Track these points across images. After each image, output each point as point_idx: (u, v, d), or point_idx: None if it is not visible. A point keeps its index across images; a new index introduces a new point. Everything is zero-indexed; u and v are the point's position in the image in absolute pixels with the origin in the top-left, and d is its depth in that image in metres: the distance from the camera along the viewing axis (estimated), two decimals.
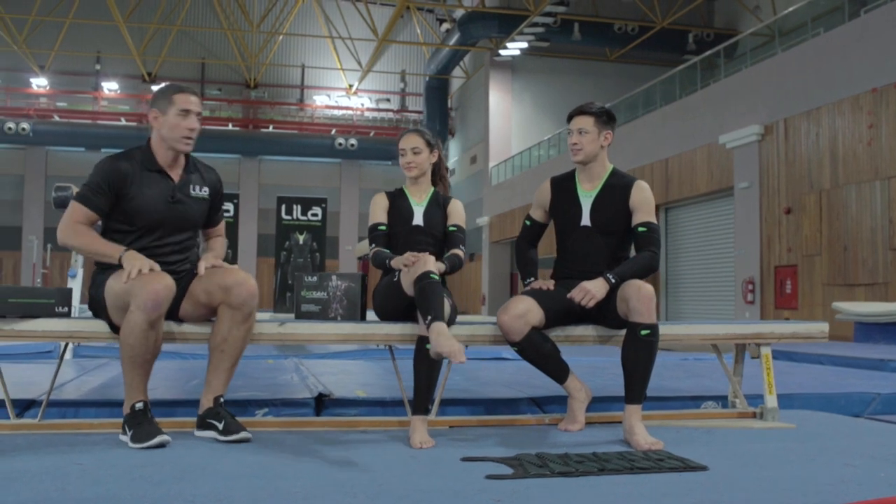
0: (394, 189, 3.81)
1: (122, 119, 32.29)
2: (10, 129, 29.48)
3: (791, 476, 2.61)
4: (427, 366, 3.17)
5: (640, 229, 3.52)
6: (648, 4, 25.17)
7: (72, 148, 31.09)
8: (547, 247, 3.45)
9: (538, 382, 4.49)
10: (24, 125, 29.64)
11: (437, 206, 3.74)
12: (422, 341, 3.19)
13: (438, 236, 3.70)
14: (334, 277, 3.63)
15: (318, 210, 12.52)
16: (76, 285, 6.52)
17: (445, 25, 30.17)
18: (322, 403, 3.95)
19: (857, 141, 12.89)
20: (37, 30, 29.98)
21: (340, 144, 32.14)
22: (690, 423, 3.72)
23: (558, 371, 3.48)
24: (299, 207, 12.45)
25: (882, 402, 4.53)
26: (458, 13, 27.68)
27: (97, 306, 3.20)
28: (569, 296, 3.38)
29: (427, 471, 2.64)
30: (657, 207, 17.96)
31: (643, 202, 3.54)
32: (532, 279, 3.66)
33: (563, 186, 3.68)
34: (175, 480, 2.41)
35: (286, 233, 12.36)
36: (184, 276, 3.25)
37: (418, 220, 3.69)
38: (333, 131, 33.51)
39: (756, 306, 15.20)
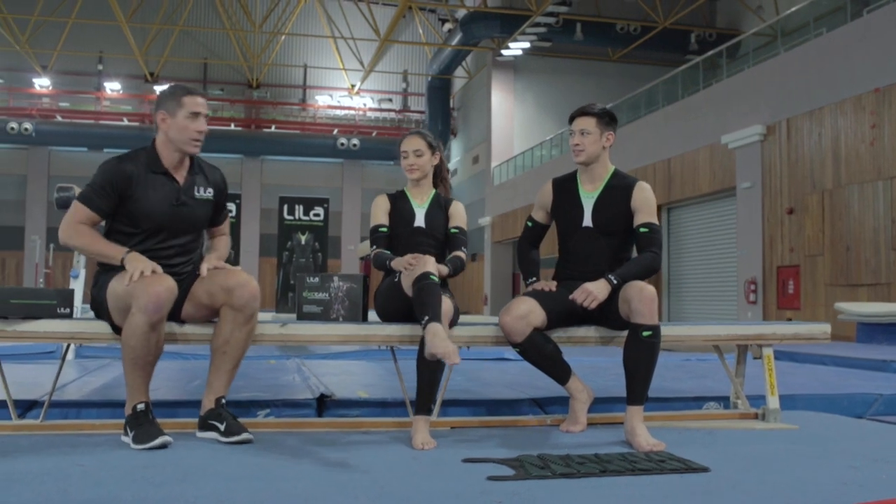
0: (395, 191, 3.81)
1: (125, 119, 32.33)
2: (12, 129, 29.53)
3: (793, 478, 2.60)
4: (430, 366, 3.17)
5: (642, 230, 3.51)
6: (650, 4, 25.16)
7: (74, 148, 31.15)
8: (549, 247, 3.45)
9: (540, 383, 4.49)
10: (27, 125, 29.68)
11: (439, 207, 3.74)
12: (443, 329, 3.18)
13: (440, 238, 3.71)
14: (336, 278, 3.63)
15: (320, 210, 12.52)
16: (78, 286, 6.52)
17: (448, 25, 30.18)
18: (324, 404, 3.95)
19: (859, 141, 12.87)
20: (39, 30, 30.02)
21: (343, 144, 32.15)
22: (692, 424, 3.72)
23: (560, 372, 3.48)
24: (301, 207, 12.44)
25: (884, 403, 4.53)
26: (461, 13, 27.68)
27: (99, 307, 3.20)
28: (571, 297, 3.38)
29: (428, 472, 2.64)
30: (659, 207, 18.01)
31: (645, 203, 3.54)
32: (534, 279, 3.67)
33: (565, 187, 3.68)
34: (177, 482, 2.41)
35: (288, 233, 12.36)
36: (186, 278, 3.24)
37: (420, 221, 3.69)
38: (336, 131, 33.53)
39: (758, 306, 15.19)
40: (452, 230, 3.72)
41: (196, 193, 3.30)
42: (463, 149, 33.20)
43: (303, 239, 12.32)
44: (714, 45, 22.05)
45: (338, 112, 34.75)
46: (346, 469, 2.65)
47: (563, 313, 3.48)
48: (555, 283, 3.59)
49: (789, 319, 14.07)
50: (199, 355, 6.23)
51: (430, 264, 3.23)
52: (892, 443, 3.33)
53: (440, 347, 2.95)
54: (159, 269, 3.03)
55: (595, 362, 6.22)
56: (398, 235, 3.68)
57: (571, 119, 3.64)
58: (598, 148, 3.57)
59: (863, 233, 12.76)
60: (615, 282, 3.36)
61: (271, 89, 34.63)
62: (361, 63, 33.23)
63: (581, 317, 3.50)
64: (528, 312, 3.38)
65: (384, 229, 3.69)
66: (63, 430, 3.28)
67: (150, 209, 3.18)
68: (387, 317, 3.59)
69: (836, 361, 7.09)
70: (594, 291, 3.32)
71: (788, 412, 3.99)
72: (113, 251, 3.11)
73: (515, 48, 26.94)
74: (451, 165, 34.01)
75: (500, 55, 27.96)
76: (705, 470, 2.67)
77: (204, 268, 3.23)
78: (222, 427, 3.07)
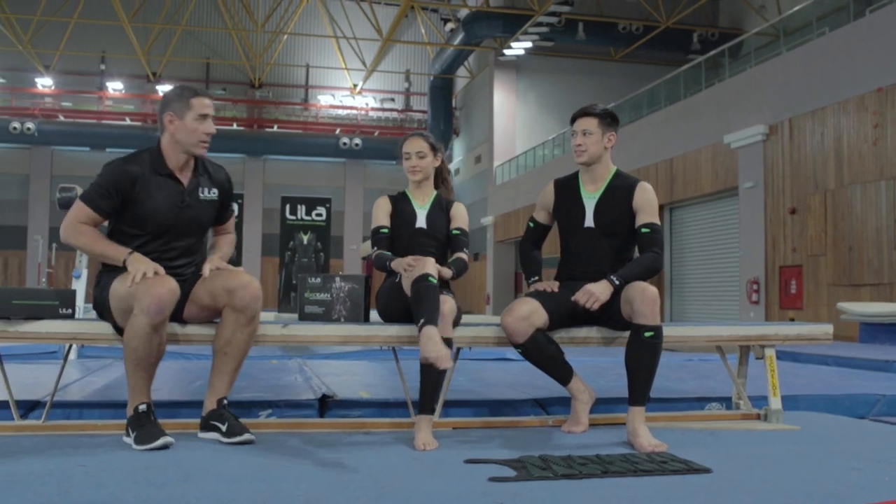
0: (396, 192, 3.81)
1: (127, 119, 32.36)
2: (15, 128, 29.57)
3: (795, 479, 2.60)
4: (433, 366, 3.16)
5: (644, 230, 3.51)
6: (653, 4, 25.14)
7: (77, 148, 31.19)
8: (550, 247, 3.45)
9: (542, 384, 4.49)
10: (30, 125, 29.72)
11: (440, 209, 3.75)
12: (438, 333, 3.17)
13: (442, 239, 3.71)
14: (338, 279, 3.63)
15: (322, 210, 12.51)
16: (80, 286, 6.52)
17: (450, 25, 30.19)
18: (326, 405, 3.95)
19: (862, 141, 12.86)
20: (42, 30, 30.05)
21: (345, 144, 32.16)
22: (694, 424, 3.71)
23: (562, 373, 3.47)
24: (303, 207, 12.44)
25: (887, 404, 4.52)
26: (463, 13, 27.68)
27: (101, 308, 3.20)
28: (573, 299, 3.37)
29: (430, 473, 2.64)
30: (661, 207, 18.01)
31: (646, 203, 3.54)
32: (536, 278, 3.67)
33: (567, 188, 3.68)
34: (178, 483, 2.41)
35: (290, 233, 12.36)
36: (189, 279, 3.24)
37: (421, 222, 3.69)
38: (338, 131, 33.54)
39: (761, 306, 15.17)
40: (454, 231, 3.72)
41: (201, 195, 3.29)
42: (465, 148, 33.19)
43: (305, 239, 12.32)
44: (716, 45, 22.03)
45: (340, 112, 34.76)
46: (347, 470, 2.65)
47: (566, 314, 3.48)
48: (557, 283, 3.59)
49: (792, 320, 14.06)
50: (201, 356, 6.23)
51: (429, 266, 3.23)
52: (894, 444, 3.32)
53: (433, 352, 2.96)
54: (162, 270, 3.03)
55: (597, 362, 6.22)
56: (400, 237, 3.68)
57: (573, 120, 3.64)
58: (600, 148, 3.57)
59: (865, 233, 12.75)
60: (617, 282, 3.36)
61: (273, 89, 34.64)
62: (364, 63, 33.23)
63: (583, 317, 3.50)
64: (530, 313, 3.38)
65: (385, 230, 3.69)
66: (65, 430, 3.28)
67: (155, 211, 3.17)
68: (388, 317, 3.59)
69: (838, 362, 7.08)
70: (596, 292, 3.32)
71: (791, 413, 3.99)
72: (115, 252, 3.11)
73: (518, 48, 26.94)
74: (454, 165, 34.02)
75: (503, 55, 27.95)
76: (707, 471, 2.66)
77: (206, 268, 3.23)
78: (224, 428, 3.06)
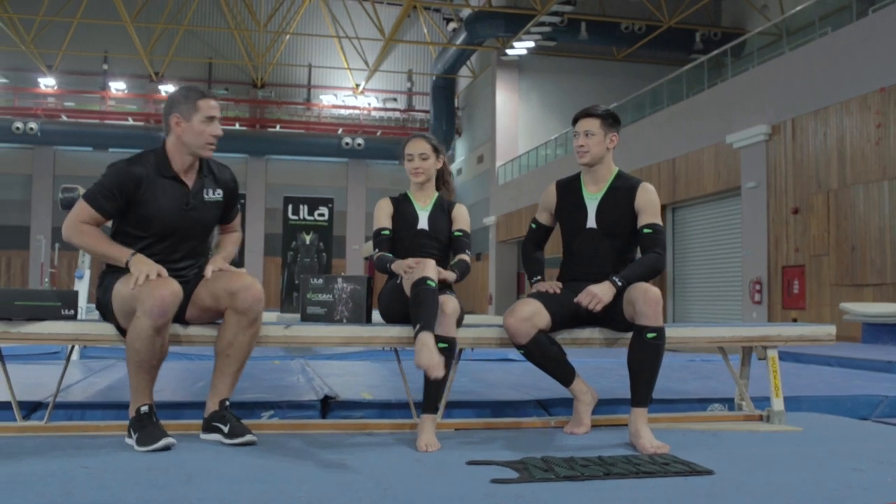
0: (398, 194, 3.81)
1: (130, 119, 32.38)
2: (18, 128, 29.59)
3: (798, 480, 2.60)
4: None
5: (646, 231, 3.51)
6: (655, 3, 25.12)
7: (79, 147, 31.21)
8: (553, 247, 3.45)
9: (544, 385, 4.49)
10: (32, 125, 29.74)
11: (442, 210, 3.75)
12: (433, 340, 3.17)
13: (444, 240, 3.71)
14: (340, 280, 3.63)
15: (324, 210, 12.49)
16: (83, 286, 6.53)
17: (452, 25, 30.18)
18: (328, 406, 3.95)
19: (864, 140, 12.84)
20: (44, 30, 30.08)
21: (347, 144, 32.15)
22: (696, 426, 3.71)
23: (564, 374, 3.47)
24: (306, 207, 12.42)
25: (889, 405, 4.52)
26: (465, 12, 27.67)
27: (104, 309, 3.20)
28: (576, 300, 3.37)
29: (432, 475, 2.64)
30: (664, 207, 18.00)
31: (648, 204, 3.54)
32: (539, 278, 3.67)
33: (569, 189, 3.68)
34: (180, 484, 2.41)
35: (293, 233, 12.34)
36: (191, 280, 3.24)
37: (423, 224, 3.69)
38: (340, 131, 33.53)
39: (763, 307, 15.16)
40: (456, 233, 3.72)
41: (205, 196, 3.28)
42: (467, 148, 33.19)
43: (307, 239, 12.31)
44: (719, 45, 22.01)
45: (342, 111, 34.75)
46: (349, 471, 2.65)
47: (568, 315, 3.48)
48: (559, 284, 3.59)
49: (794, 320, 14.05)
50: (204, 356, 6.23)
51: (429, 269, 3.23)
52: None
53: (425, 359, 2.96)
54: (164, 272, 3.03)
55: (599, 363, 6.21)
56: (401, 238, 3.68)
57: (575, 121, 3.63)
58: (602, 149, 3.57)
59: (868, 233, 12.73)
60: (620, 284, 3.35)
61: (276, 89, 34.65)
62: (366, 62, 33.24)
63: (585, 318, 3.49)
64: (532, 314, 3.38)
65: (386, 232, 3.69)
66: (67, 431, 3.28)
67: (159, 214, 3.16)
68: (390, 318, 3.59)
69: (841, 362, 7.08)
70: (599, 294, 3.32)
71: (793, 414, 3.99)
72: (118, 253, 3.10)
73: (520, 47, 26.93)
74: (456, 165, 34.02)
75: (505, 54, 27.93)
76: (709, 472, 2.66)
77: (209, 269, 3.22)
78: (226, 429, 3.07)
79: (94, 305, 3.38)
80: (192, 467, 2.64)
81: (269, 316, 3.69)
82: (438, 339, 3.14)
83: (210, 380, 3.21)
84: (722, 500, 2.33)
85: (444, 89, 32.75)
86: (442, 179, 3.83)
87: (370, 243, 3.87)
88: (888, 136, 12.36)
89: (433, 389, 3.21)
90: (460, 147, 33.99)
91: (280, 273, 12.35)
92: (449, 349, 3.22)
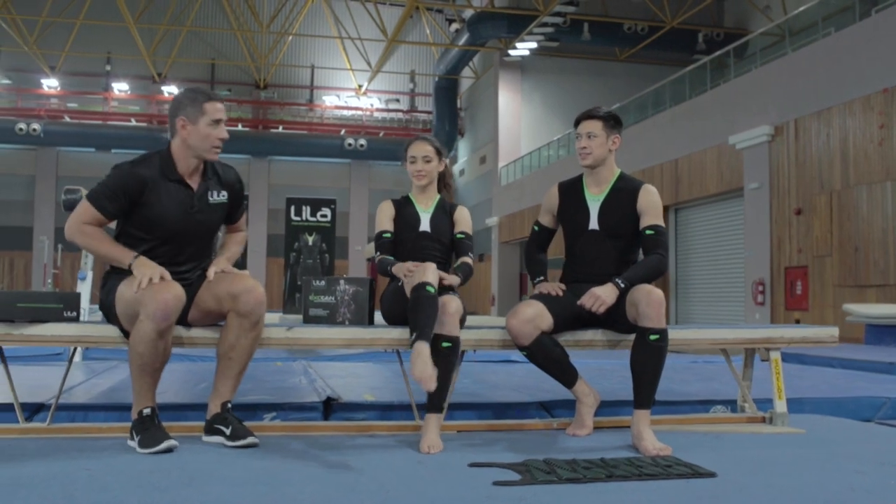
0: (400, 196, 3.81)
1: (133, 120, 32.39)
2: (21, 129, 29.61)
3: (800, 483, 2.59)
4: (440, 365, 3.16)
5: (648, 232, 3.51)
6: (658, 4, 25.11)
7: (82, 148, 31.22)
8: (555, 248, 3.45)
9: (547, 386, 4.48)
10: (35, 126, 29.77)
11: (444, 212, 3.75)
12: (437, 339, 3.17)
13: (446, 243, 3.71)
14: (342, 282, 3.63)
15: (327, 211, 12.48)
16: (86, 287, 6.53)
17: (455, 26, 30.18)
18: (330, 407, 3.94)
19: (868, 141, 12.82)
20: (47, 31, 30.12)
21: (350, 145, 32.15)
22: (699, 427, 3.71)
23: (567, 375, 3.47)
24: (308, 208, 12.41)
25: (892, 407, 4.51)
26: (468, 13, 27.68)
27: (107, 311, 3.20)
28: (579, 303, 3.37)
29: (434, 477, 2.64)
30: (666, 208, 17.98)
31: (650, 205, 3.54)
32: (541, 278, 3.67)
33: (571, 191, 3.68)
34: (182, 486, 2.41)
35: (295, 234, 12.33)
36: (194, 283, 3.24)
37: (425, 226, 3.69)
38: (343, 132, 33.52)
39: (766, 308, 15.14)
40: (458, 235, 3.72)
41: (210, 199, 3.27)
42: (470, 149, 33.18)
43: (310, 240, 12.30)
44: (722, 45, 22.00)
45: (345, 112, 34.75)
46: (351, 473, 2.65)
47: (570, 317, 3.47)
48: (562, 285, 3.59)
49: (797, 321, 14.03)
50: (206, 358, 6.23)
51: (429, 273, 3.21)
52: None
53: (417, 371, 2.96)
54: (168, 275, 3.03)
55: (602, 365, 6.20)
56: (403, 241, 3.68)
57: (577, 122, 3.64)
58: (605, 151, 3.57)
59: (871, 233, 12.72)
60: (623, 285, 3.35)
61: (278, 90, 34.66)
62: (369, 63, 33.24)
63: (588, 320, 3.49)
64: (535, 316, 3.38)
65: (388, 235, 3.69)
66: (70, 433, 3.29)
67: (164, 217, 3.15)
68: (392, 320, 3.59)
69: (843, 364, 7.06)
70: (602, 296, 3.31)
71: (796, 415, 3.98)
72: (121, 254, 3.10)
73: (522, 48, 26.92)
74: (459, 166, 34.02)
75: (508, 55, 27.92)
76: (712, 475, 2.66)
77: (211, 271, 3.22)
78: (228, 431, 3.06)
79: (97, 307, 3.37)
80: (195, 469, 2.64)
81: (271, 317, 3.69)
82: (442, 338, 3.14)
83: (212, 382, 3.22)
84: (724, 503, 2.33)
85: (446, 90, 32.76)
86: (443, 182, 3.83)
87: (373, 244, 3.86)
88: (891, 136, 12.34)
89: (438, 389, 3.20)
90: (463, 148, 33.99)
91: (282, 274, 12.34)
92: (452, 348, 3.21)
